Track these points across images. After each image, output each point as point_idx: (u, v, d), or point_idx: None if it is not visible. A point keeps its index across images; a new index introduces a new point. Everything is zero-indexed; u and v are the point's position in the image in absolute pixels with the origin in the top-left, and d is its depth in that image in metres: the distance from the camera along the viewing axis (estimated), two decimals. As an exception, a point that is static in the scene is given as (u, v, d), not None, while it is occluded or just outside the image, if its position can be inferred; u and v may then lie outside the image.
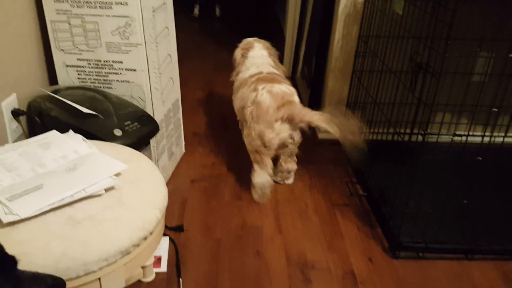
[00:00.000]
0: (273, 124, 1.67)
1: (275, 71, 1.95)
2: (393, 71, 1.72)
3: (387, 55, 1.76)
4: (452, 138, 1.93)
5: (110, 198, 0.97)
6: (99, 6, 1.40)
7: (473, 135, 2.02)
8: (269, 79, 1.80)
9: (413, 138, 1.45)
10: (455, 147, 1.71)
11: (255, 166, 1.71)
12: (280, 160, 1.83)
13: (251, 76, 1.87)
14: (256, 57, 2.02)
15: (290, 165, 1.83)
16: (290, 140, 1.73)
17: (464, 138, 1.91)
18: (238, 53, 2.10)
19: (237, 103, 1.89)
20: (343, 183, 1.88)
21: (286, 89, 1.74)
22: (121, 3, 1.39)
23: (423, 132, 1.34)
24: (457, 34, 1.43)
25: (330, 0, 2.02)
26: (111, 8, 1.40)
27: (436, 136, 1.95)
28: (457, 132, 2.02)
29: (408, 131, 1.49)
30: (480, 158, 1.35)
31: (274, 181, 1.86)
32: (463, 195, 1.64)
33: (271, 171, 1.69)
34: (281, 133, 1.69)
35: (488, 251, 1.50)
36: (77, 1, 1.40)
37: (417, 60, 1.35)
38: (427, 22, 1.33)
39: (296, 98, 1.74)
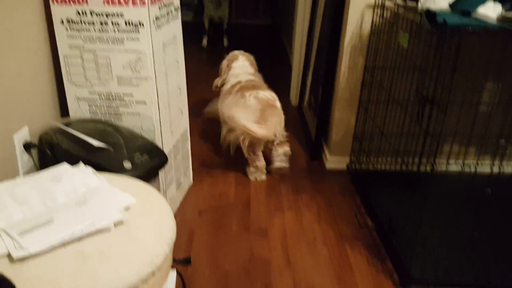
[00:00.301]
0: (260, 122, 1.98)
1: (253, 78, 2.27)
2: (400, 102, 1.73)
3: (393, 86, 1.77)
4: (461, 168, 1.93)
5: (119, 232, 0.97)
6: (111, 42, 1.44)
7: (482, 165, 2.02)
8: (251, 86, 2.12)
9: (422, 168, 1.44)
10: (464, 177, 1.70)
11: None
12: (275, 146, 2.12)
13: (233, 86, 2.18)
14: (238, 67, 2.35)
15: (285, 148, 2.14)
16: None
17: (473, 168, 1.90)
18: (224, 63, 2.43)
19: (226, 110, 2.06)
20: (352, 214, 1.87)
21: (270, 95, 2.09)
22: (132, 39, 1.43)
23: (431, 163, 1.34)
24: (462, 65, 1.44)
25: (335, 33, 2.06)
26: (123, 43, 1.44)
27: (445, 166, 1.95)
28: (466, 162, 2.01)
29: (415, 160, 1.49)
30: (490, 190, 1.34)
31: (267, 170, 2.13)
32: (474, 227, 1.62)
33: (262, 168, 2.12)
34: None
35: (500, 286, 1.47)
36: (90, 37, 1.44)
37: (423, 92, 1.36)
38: (432, 55, 1.35)
39: (278, 104, 2.08)
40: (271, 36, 5.18)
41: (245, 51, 2.54)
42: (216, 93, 2.43)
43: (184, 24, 1.82)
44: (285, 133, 2.14)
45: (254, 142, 2.02)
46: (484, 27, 1.18)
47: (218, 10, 4.49)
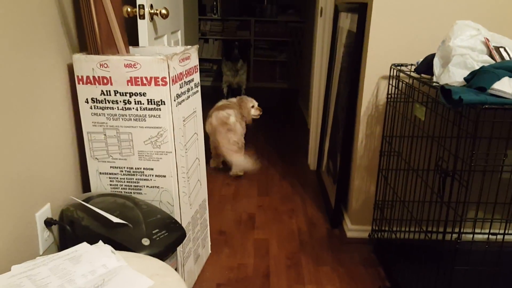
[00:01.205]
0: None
1: (227, 103, 3.09)
2: (419, 171, 1.71)
3: (412, 155, 1.76)
4: (488, 238, 1.85)
5: (135, 319, 0.95)
6: (134, 119, 1.49)
7: (509, 234, 1.94)
8: (219, 107, 2.99)
9: (447, 237, 1.40)
10: (492, 247, 1.63)
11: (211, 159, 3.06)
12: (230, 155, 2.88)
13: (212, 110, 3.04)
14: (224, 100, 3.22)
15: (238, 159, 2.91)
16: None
17: (500, 237, 1.82)
18: None
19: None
20: (376, 287, 1.79)
21: (226, 113, 2.91)
22: (154, 116, 1.47)
23: (456, 240, 1.29)
24: (482, 134, 1.43)
25: (352, 101, 2.10)
26: (144, 120, 1.48)
27: (471, 236, 1.88)
28: (492, 231, 1.94)
29: (438, 229, 1.45)
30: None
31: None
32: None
33: (219, 163, 3.06)
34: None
35: None
36: (113, 115, 1.50)
37: (442, 165, 1.35)
38: (450, 128, 1.35)
39: (231, 119, 2.90)
40: (288, 99, 5.29)
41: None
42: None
43: (204, 88, 1.89)
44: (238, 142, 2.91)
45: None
46: (501, 104, 1.18)
47: (236, 77, 4.66)
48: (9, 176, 1.20)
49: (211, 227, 2.22)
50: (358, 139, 2.04)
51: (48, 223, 1.37)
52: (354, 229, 2.15)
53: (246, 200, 2.58)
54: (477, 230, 1.96)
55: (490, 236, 1.89)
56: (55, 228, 1.44)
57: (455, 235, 1.39)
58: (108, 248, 1.19)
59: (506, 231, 1.94)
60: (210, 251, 2.03)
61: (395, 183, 1.88)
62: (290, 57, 5.84)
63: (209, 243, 2.02)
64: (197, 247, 1.82)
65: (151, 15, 1.81)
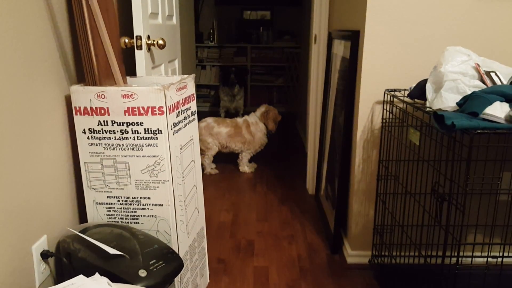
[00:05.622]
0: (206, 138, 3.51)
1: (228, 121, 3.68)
2: (416, 195, 1.71)
3: (409, 179, 1.77)
4: (487, 261, 1.84)
5: None
6: (131, 148, 1.50)
7: (508, 256, 1.93)
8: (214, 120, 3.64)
9: (446, 261, 1.39)
10: (492, 270, 1.62)
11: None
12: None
13: None
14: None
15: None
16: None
17: (499, 260, 1.81)
18: None
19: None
20: (377, 314, 1.77)
21: (209, 119, 3.58)
22: (151, 145, 1.48)
23: (455, 266, 1.28)
24: (477, 157, 1.44)
25: (347, 126, 2.12)
26: (141, 149, 1.49)
27: (470, 259, 1.87)
28: (492, 254, 1.92)
29: (437, 253, 1.44)
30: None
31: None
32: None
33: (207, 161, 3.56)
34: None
35: None
36: (110, 144, 1.51)
37: (438, 190, 1.35)
38: (445, 153, 1.36)
39: (215, 129, 3.53)
40: (285, 122, 5.32)
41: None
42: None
43: (202, 113, 1.91)
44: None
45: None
46: (493, 128, 1.20)
47: (233, 102, 4.70)
48: (6, 208, 1.20)
49: (209, 255, 2.20)
50: (355, 163, 2.04)
51: (45, 255, 1.36)
52: (354, 255, 2.14)
53: (245, 226, 2.57)
54: (477, 253, 1.95)
55: (490, 259, 1.88)
56: (51, 260, 1.43)
57: (454, 259, 1.38)
58: (105, 280, 1.18)
59: (505, 254, 1.93)
60: (208, 280, 2.01)
61: (393, 207, 1.87)
62: (287, 81, 5.90)
63: (208, 272, 2.00)
64: (195, 276, 1.80)
65: (148, 46, 1.85)
